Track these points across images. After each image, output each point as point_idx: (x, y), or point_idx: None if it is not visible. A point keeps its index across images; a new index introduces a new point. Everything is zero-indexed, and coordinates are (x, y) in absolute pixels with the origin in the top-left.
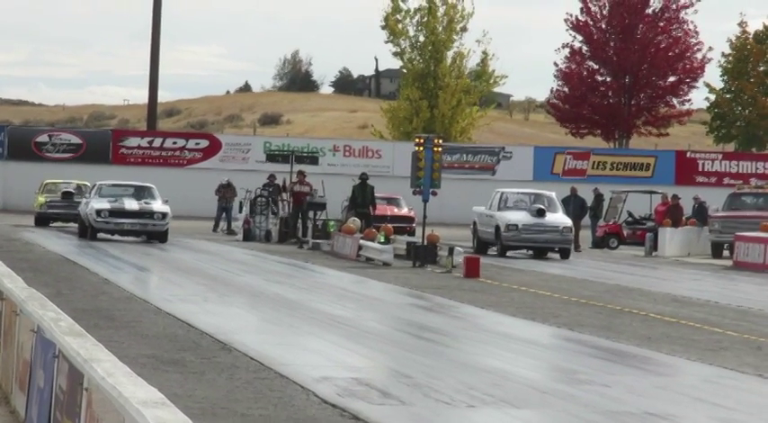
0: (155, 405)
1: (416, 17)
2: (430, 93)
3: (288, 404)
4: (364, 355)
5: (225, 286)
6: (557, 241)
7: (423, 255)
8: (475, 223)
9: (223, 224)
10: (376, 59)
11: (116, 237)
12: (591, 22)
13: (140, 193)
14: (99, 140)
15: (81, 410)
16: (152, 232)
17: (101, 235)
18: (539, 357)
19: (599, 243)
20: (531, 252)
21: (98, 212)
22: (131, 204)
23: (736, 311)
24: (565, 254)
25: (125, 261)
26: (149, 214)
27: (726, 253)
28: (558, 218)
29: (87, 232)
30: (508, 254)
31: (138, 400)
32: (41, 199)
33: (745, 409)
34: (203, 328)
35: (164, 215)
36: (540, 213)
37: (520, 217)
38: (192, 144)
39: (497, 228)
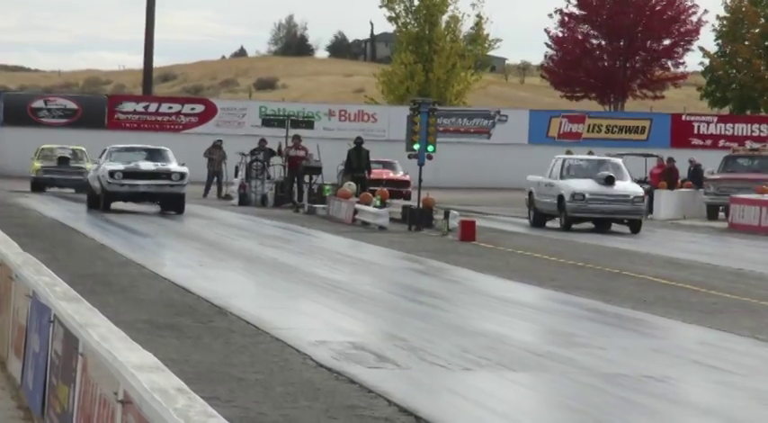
0: (150, 370)
1: None
2: (425, 57)
3: (284, 368)
4: (360, 318)
5: (221, 251)
6: (627, 212)
7: (418, 218)
8: (531, 194)
9: (214, 188)
10: (371, 23)
11: (129, 205)
12: None
13: (154, 156)
14: (94, 106)
15: (76, 375)
16: (169, 195)
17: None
18: (535, 320)
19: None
20: (592, 225)
21: (111, 174)
22: (146, 165)
23: (731, 274)
24: (635, 226)
25: (121, 226)
26: (166, 175)
27: (721, 215)
28: (628, 186)
29: (99, 201)
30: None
31: (133, 364)
32: (37, 164)
33: (741, 372)
34: (199, 292)
35: (182, 176)
36: (609, 181)
37: (586, 185)
38: (187, 109)
39: (560, 198)
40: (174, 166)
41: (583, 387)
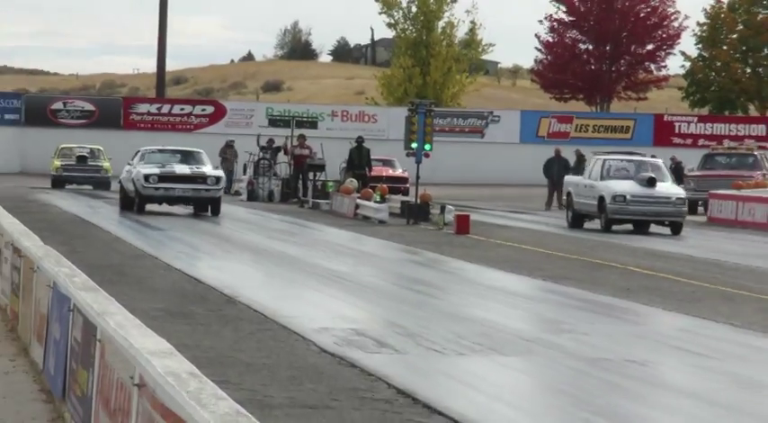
0: (163, 355)
1: None
2: (422, 61)
3: (289, 353)
4: (361, 307)
5: (231, 244)
6: (669, 214)
7: (416, 213)
8: (569, 194)
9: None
10: (371, 29)
11: (164, 207)
12: None
13: (188, 158)
14: (111, 107)
15: (95, 360)
16: (205, 199)
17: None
18: (524, 308)
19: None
20: (632, 226)
21: (146, 178)
22: (182, 169)
23: (710, 264)
24: (676, 228)
25: (135, 220)
26: (202, 179)
27: (700, 210)
28: (670, 188)
29: (133, 203)
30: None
31: (148, 350)
32: (57, 163)
33: (718, 356)
34: (210, 282)
35: (217, 179)
36: (651, 182)
37: (627, 187)
38: (198, 110)
39: (601, 199)
40: (208, 169)
41: (569, 371)
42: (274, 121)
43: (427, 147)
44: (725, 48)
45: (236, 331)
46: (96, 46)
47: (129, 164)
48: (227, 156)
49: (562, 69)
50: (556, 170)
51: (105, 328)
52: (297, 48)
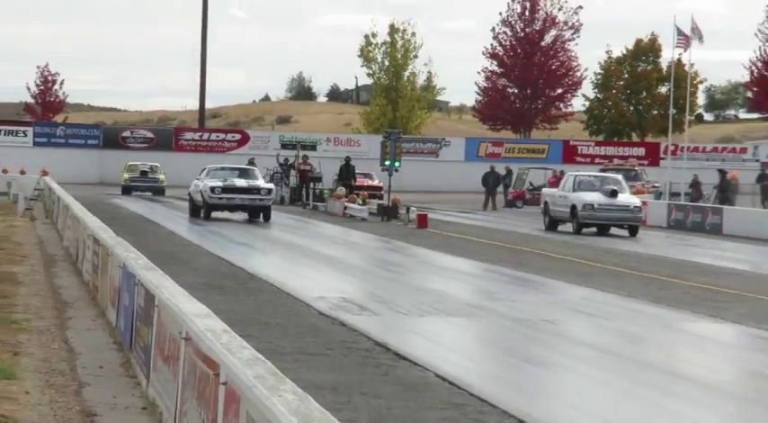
0: (203, 316)
1: (383, 48)
2: (393, 101)
3: (295, 315)
4: (348, 281)
5: (253, 235)
6: (628, 219)
7: (388, 212)
8: (546, 203)
9: None
10: (356, 78)
11: (225, 214)
12: (502, 53)
13: (244, 174)
14: (165, 135)
15: (153, 320)
16: (258, 207)
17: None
18: (468, 282)
19: (510, 204)
20: (595, 229)
21: (212, 189)
22: (240, 182)
23: (600, 250)
24: (633, 231)
25: (184, 218)
26: (257, 190)
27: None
28: (629, 198)
29: (200, 211)
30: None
31: (192, 313)
32: (126, 175)
33: (607, 317)
34: (238, 264)
35: (269, 191)
36: (614, 194)
37: (594, 197)
38: (229, 137)
39: (573, 207)
40: (261, 182)
41: (500, 328)
42: (285, 145)
43: (396, 164)
44: (614, 91)
45: (256, 299)
46: (155, 90)
47: (197, 179)
48: (252, 170)
49: (495, 107)
50: (491, 181)
51: (161, 297)
52: (301, 91)
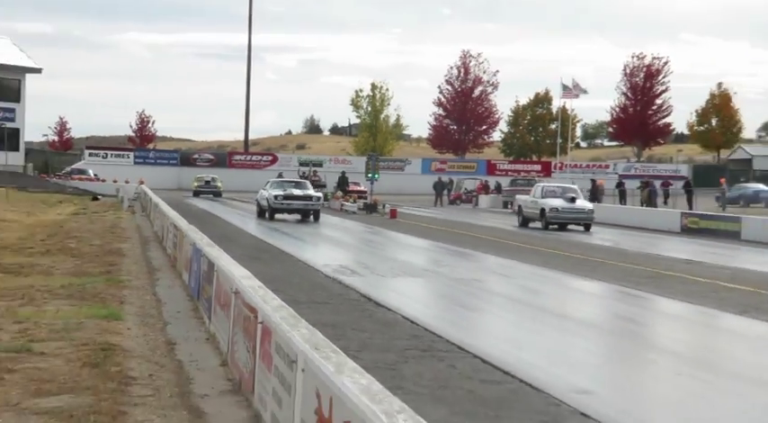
0: (247, 278)
1: (367, 99)
2: (373, 134)
3: (308, 277)
4: (343, 254)
5: (279, 223)
6: (584, 218)
7: (371, 208)
8: (520, 207)
9: None
10: (349, 119)
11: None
12: (446, 102)
13: (298, 185)
14: (221, 157)
15: (213, 280)
16: (310, 210)
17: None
18: (423, 254)
19: (451, 202)
20: (556, 225)
21: (275, 197)
22: (297, 191)
23: (515, 233)
24: (587, 228)
25: (238, 213)
26: (309, 198)
27: (510, 206)
28: (584, 203)
29: (265, 213)
30: (531, 225)
31: (239, 275)
32: (195, 183)
33: (520, 277)
34: (272, 243)
35: (318, 198)
36: (573, 200)
37: (558, 203)
38: (264, 158)
39: (542, 210)
40: (312, 191)
41: (444, 284)
42: (302, 163)
43: (376, 176)
44: (521, 127)
45: (282, 266)
46: (215, 126)
47: (263, 189)
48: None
49: (441, 138)
50: (439, 187)
51: (218, 264)
52: (312, 127)
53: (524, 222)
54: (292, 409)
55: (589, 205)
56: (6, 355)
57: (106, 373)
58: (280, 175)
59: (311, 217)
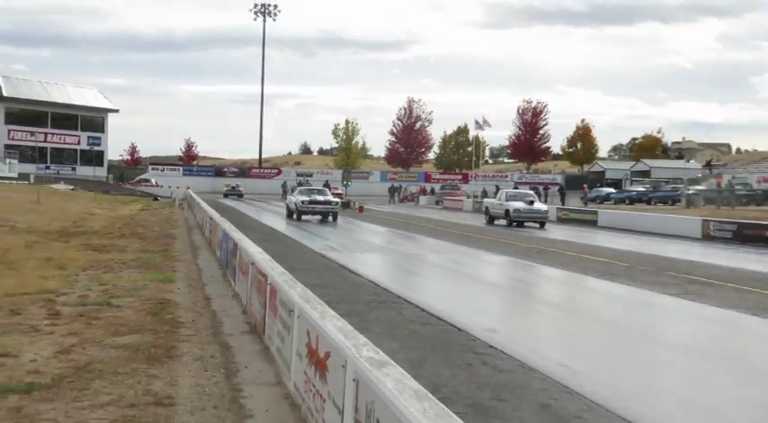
0: (259, 253)
1: (342, 130)
2: (348, 154)
3: (303, 254)
4: (327, 238)
5: (282, 217)
6: (540, 218)
7: (345, 205)
8: (487, 208)
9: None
10: (331, 144)
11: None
12: (397, 132)
13: (320, 192)
14: (243, 170)
15: (237, 255)
16: (331, 212)
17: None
18: (381, 237)
19: (401, 201)
20: (514, 222)
21: (302, 202)
22: (319, 197)
23: (450, 223)
24: (543, 225)
25: (254, 209)
26: (329, 202)
27: (440, 203)
28: (541, 205)
29: (293, 214)
30: (497, 223)
31: (255, 252)
32: (224, 188)
33: (446, 252)
34: (278, 229)
35: (336, 203)
36: (531, 203)
37: (520, 205)
38: (273, 171)
39: (507, 211)
40: (331, 197)
41: (396, 257)
42: (298, 174)
43: (349, 183)
44: (448, 150)
45: (285, 246)
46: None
47: (291, 195)
48: (285, 188)
49: (394, 157)
50: (392, 190)
51: (240, 245)
52: (306, 150)
53: (491, 220)
54: (291, 343)
55: (544, 207)
56: (93, 308)
57: (162, 319)
58: (284, 184)
59: (330, 218)
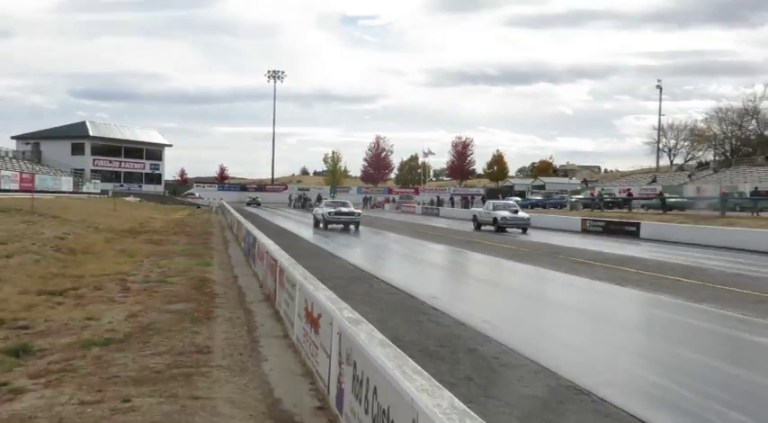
0: (272, 245)
1: (331, 158)
2: (333, 175)
3: (297, 243)
4: (315, 232)
5: (288, 219)
6: (523, 224)
7: None
8: (475, 216)
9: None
10: (322, 168)
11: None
12: (369, 159)
13: (344, 205)
14: (261, 186)
15: (256, 247)
16: (354, 222)
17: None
18: (359, 236)
19: (372, 208)
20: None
21: (329, 213)
22: (343, 209)
23: (406, 223)
24: (525, 230)
25: (271, 214)
26: (353, 213)
27: (399, 209)
28: (523, 214)
29: (319, 224)
30: (483, 228)
31: (268, 244)
32: (247, 199)
33: (408, 244)
34: (287, 228)
35: (359, 214)
36: (515, 212)
37: (506, 214)
38: (281, 187)
39: (495, 219)
40: (353, 209)
41: (369, 248)
42: (300, 189)
43: (335, 195)
44: (404, 171)
45: (289, 239)
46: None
47: (318, 206)
48: (292, 198)
49: (368, 177)
50: (365, 200)
51: (258, 240)
52: (305, 172)
53: (478, 227)
54: (294, 308)
55: (526, 215)
56: (154, 284)
57: (203, 291)
58: (290, 196)
59: (352, 227)
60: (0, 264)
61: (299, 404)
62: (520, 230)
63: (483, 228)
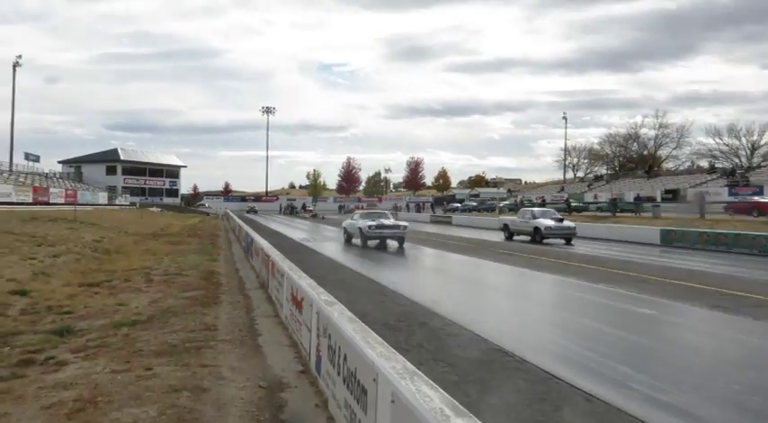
0: (266, 243)
1: (313, 175)
2: (315, 189)
3: (290, 243)
4: (305, 231)
5: (280, 223)
6: (569, 234)
7: (314, 216)
8: (506, 225)
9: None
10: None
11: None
12: (343, 176)
13: (382, 216)
14: (258, 197)
15: (253, 244)
16: (397, 236)
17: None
18: (337, 233)
19: (345, 213)
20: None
21: (369, 227)
22: (385, 222)
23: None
24: (569, 241)
25: (263, 219)
26: (397, 227)
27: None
28: (569, 223)
29: (351, 239)
30: (516, 238)
31: (263, 242)
32: (247, 208)
33: (375, 241)
34: (279, 230)
35: (405, 227)
36: (560, 220)
37: (551, 223)
38: (273, 198)
39: (536, 228)
40: (398, 221)
41: (350, 247)
42: (288, 199)
43: (316, 204)
44: (370, 184)
45: (280, 239)
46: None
47: (351, 219)
48: (282, 205)
49: (341, 189)
50: (340, 207)
51: (255, 240)
52: (291, 186)
53: (510, 236)
54: (283, 293)
55: (572, 224)
56: (172, 276)
57: (211, 281)
58: (280, 205)
59: (396, 243)
60: (50, 262)
61: (287, 369)
62: (563, 241)
63: (516, 237)
